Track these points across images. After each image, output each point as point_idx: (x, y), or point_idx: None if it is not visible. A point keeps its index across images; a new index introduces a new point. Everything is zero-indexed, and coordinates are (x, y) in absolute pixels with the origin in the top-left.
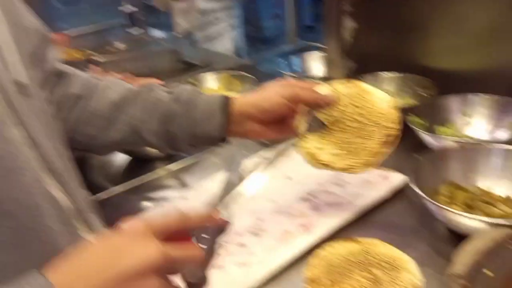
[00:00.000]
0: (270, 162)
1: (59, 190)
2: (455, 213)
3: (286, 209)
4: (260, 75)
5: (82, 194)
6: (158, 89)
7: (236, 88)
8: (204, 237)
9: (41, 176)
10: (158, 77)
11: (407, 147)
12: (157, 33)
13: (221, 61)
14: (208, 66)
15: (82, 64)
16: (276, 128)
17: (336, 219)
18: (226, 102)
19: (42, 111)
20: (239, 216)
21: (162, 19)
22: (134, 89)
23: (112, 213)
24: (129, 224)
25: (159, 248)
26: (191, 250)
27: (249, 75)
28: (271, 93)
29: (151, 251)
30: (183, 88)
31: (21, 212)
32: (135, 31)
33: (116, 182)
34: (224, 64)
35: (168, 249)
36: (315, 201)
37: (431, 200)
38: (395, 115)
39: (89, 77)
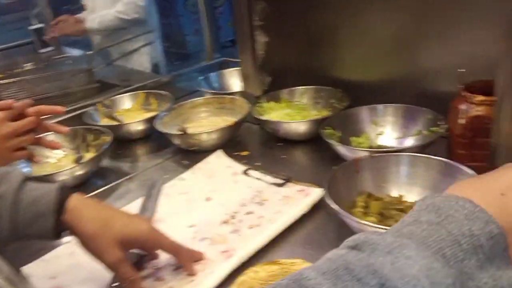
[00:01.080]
0: (190, 183)
1: None
2: (367, 225)
3: (207, 234)
4: (178, 92)
5: None
6: None
7: (153, 106)
8: None
9: None
10: (70, 99)
11: (325, 160)
12: (71, 51)
13: (138, 79)
14: (124, 84)
15: None
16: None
17: (257, 241)
18: (60, 202)
19: None
20: None
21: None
22: None
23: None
24: None
25: None
26: None
27: (166, 93)
28: (127, 221)
29: None
30: (2, 181)
31: None
32: (45, 50)
33: None
34: (141, 82)
35: None
36: (236, 223)
37: (345, 214)
38: None
39: None
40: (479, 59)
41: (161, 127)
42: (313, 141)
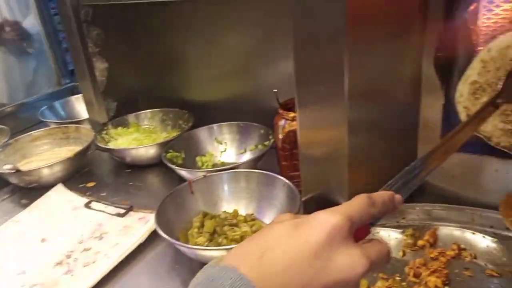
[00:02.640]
0: (25, 225)
1: None
2: (193, 248)
3: (38, 279)
4: (20, 125)
5: None
6: None
7: None
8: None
9: None
10: None
11: (172, 183)
12: None
13: None
14: None
15: None
16: None
17: (89, 280)
18: None
19: None
20: None
21: None
22: None
23: None
24: (325, 219)
25: (365, 258)
26: (384, 249)
27: (2, 127)
28: None
29: (358, 263)
30: None
31: None
32: None
33: None
34: None
35: (371, 255)
36: (70, 263)
37: (170, 240)
38: None
39: None
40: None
41: None
42: (162, 164)
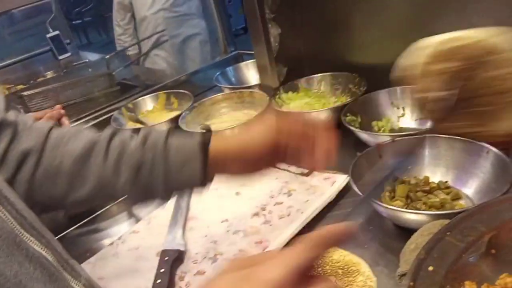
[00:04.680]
0: (219, 180)
1: (41, 246)
2: (395, 209)
3: (240, 227)
4: (197, 89)
5: (58, 243)
6: (123, 134)
7: (174, 106)
8: None
9: (22, 235)
10: (94, 104)
11: (348, 147)
12: (87, 56)
13: (157, 79)
14: (144, 86)
15: (11, 100)
16: (266, 162)
17: (288, 230)
18: (204, 145)
19: None
20: (194, 241)
21: (93, 39)
22: (96, 138)
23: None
24: (265, 276)
25: None
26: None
27: (186, 92)
28: (255, 134)
29: None
30: (151, 132)
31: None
32: (63, 56)
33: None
34: (161, 81)
35: None
36: (266, 215)
37: (373, 199)
38: None
39: (39, 127)
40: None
41: (184, 126)
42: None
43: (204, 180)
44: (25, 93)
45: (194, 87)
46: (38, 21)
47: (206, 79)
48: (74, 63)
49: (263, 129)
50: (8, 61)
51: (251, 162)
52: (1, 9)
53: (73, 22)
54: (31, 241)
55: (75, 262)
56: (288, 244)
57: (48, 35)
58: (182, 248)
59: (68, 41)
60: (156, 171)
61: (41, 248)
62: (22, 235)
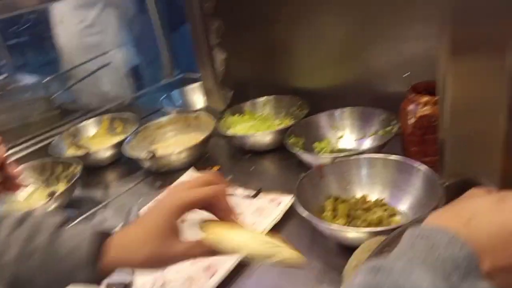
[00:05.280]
0: None
1: None
2: (336, 229)
3: None
4: (142, 113)
5: None
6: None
7: (118, 130)
8: None
9: None
10: (31, 129)
11: (292, 168)
12: (24, 78)
13: (100, 102)
14: (86, 109)
15: None
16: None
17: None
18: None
19: None
20: (140, 272)
21: (31, 60)
22: None
23: None
24: None
25: None
26: None
27: (130, 115)
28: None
29: None
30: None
31: None
32: None
33: None
34: (104, 105)
35: None
36: None
37: (316, 220)
38: None
39: None
40: (421, 59)
41: (129, 151)
42: (279, 150)
43: (98, 280)
44: None
45: (139, 111)
46: None
47: (151, 102)
48: (9, 86)
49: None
50: None
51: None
52: None
53: (9, 42)
54: None
55: None
56: (236, 268)
57: None
58: (128, 280)
59: (3, 62)
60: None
61: None
62: None
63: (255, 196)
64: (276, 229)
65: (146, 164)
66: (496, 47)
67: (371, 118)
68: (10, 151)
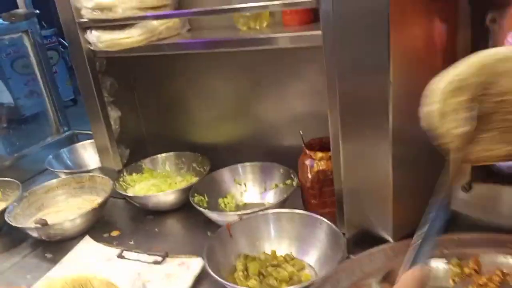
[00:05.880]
0: None
1: None
2: None
3: None
4: (25, 175)
5: None
6: None
7: None
8: None
9: None
10: None
11: (199, 227)
12: None
13: None
14: None
15: None
16: None
17: None
18: None
19: None
20: None
21: None
22: None
23: None
24: None
25: None
26: None
27: (11, 180)
28: None
29: None
30: None
31: None
32: None
33: None
34: None
35: None
36: None
37: (228, 284)
38: None
39: None
40: (311, 115)
41: (13, 220)
42: (183, 208)
43: None
44: None
45: (21, 173)
46: None
47: (35, 163)
48: None
49: None
50: None
51: None
52: None
53: None
54: None
55: None
56: None
57: None
58: None
59: None
60: None
61: None
62: None
63: (161, 261)
64: None
65: (35, 234)
66: (378, 108)
67: (272, 172)
68: None
